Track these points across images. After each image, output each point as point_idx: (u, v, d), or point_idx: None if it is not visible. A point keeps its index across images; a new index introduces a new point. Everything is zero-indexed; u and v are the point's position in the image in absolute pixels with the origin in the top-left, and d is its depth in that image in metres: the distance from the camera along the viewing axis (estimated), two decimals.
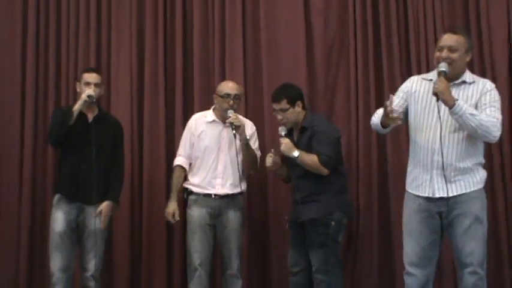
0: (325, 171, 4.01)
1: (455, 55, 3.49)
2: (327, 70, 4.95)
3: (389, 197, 4.66)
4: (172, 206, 4.32)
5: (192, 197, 4.33)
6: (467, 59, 3.58)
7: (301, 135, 4.13)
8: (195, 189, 4.32)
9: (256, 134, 4.48)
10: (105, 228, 4.23)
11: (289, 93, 4.15)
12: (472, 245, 3.41)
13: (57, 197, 4.24)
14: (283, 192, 4.64)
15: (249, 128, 4.40)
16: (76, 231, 4.19)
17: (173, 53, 5.10)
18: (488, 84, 3.56)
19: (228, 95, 4.28)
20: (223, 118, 4.31)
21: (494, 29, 4.65)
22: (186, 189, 4.37)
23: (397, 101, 3.63)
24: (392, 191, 4.61)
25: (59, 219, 4.15)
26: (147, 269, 4.89)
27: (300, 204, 3.99)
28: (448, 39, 3.54)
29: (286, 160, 4.16)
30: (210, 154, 4.30)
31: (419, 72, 4.53)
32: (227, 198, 4.27)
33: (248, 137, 4.27)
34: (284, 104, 4.11)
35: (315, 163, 4.00)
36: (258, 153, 4.42)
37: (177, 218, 4.31)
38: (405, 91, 3.70)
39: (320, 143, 4.04)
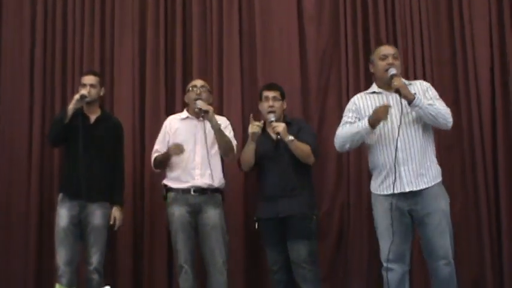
0: (313, 160, 4.20)
1: (398, 62, 3.82)
2: (319, 74, 5.08)
3: None
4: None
5: (171, 194, 4.36)
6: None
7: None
8: (174, 185, 4.35)
9: (230, 126, 4.52)
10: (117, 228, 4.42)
11: (282, 89, 4.40)
12: (444, 239, 3.66)
13: (61, 195, 4.38)
14: None
15: (223, 121, 4.45)
16: (79, 226, 4.31)
17: (173, 59, 5.23)
18: (425, 83, 3.89)
19: (194, 86, 4.44)
20: (196, 114, 4.39)
21: (476, 34, 4.83)
22: (165, 185, 4.40)
23: (351, 119, 3.89)
24: None
25: (63, 215, 4.30)
26: (148, 261, 4.99)
27: (285, 198, 4.10)
28: (388, 48, 3.89)
29: (264, 157, 4.24)
30: (186, 147, 4.32)
31: (406, 75, 4.71)
32: (206, 196, 4.30)
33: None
34: (278, 94, 4.34)
35: (307, 150, 4.17)
36: (234, 142, 4.44)
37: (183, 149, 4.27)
38: (353, 109, 3.93)
39: (309, 135, 4.27)
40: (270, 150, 4.23)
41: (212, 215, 4.31)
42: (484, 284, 4.59)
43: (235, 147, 4.42)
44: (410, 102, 3.62)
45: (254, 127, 4.18)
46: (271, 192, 4.21)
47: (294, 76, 5.06)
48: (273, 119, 4.18)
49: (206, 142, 4.34)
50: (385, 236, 3.75)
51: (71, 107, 4.29)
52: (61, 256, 4.28)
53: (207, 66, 5.21)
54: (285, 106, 4.41)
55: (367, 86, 4.82)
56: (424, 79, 4.71)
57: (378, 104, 3.80)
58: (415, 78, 4.71)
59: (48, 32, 5.41)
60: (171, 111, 5.15)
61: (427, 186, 3.70)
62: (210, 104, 4.41)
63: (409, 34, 4.91)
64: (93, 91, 4.42)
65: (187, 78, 5.17)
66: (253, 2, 5.21)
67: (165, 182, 4.43)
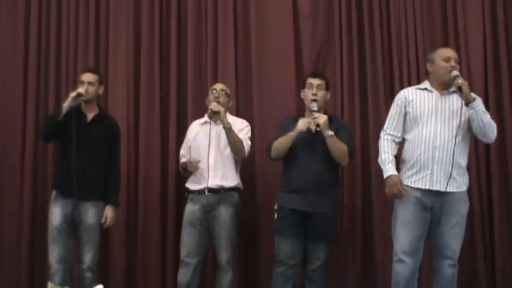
0: (347, 161, 4.09)
1: (458, 67, 3.87)
2: None
3: (371, 194, 4.82)
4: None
5: (190, 195, 4.44)
6: None
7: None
8: (191, 187, 4.44)
9: (248, 128, 4.55)
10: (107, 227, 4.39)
11: (327, 79, 4.30)
12: (455, 241, 3.77)
13: (54, 193, 4.35)
14: (274, 185, 4.53)
15: (239, 123, 4.52)
16: (72, 225, 4.29)
17: (168, 58, 5.22)
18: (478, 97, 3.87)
19: (214, 89, 4.51)
20: (210, 115, 4.39)
21: (470, 39, 4.86)
22: (187, 188, 4.49)
23: (395, 123, 3.98)
24: (374, 189, 4.79)
25: (56, 213, 4.28)
26: (142, 260, 5.00)
27: (314, 192, 3.97)
28: (452, 52, 3.94)
29: (297, 148, 4.08)
30: (202, 151, 4.41)
31: (400, 76, 4.86)
32: (219, 194, 4.34)
33: (237, 130, 4.37)
34: (323, 83, 4.20)
35: (344, 149, 4.01)
36: (248, 142, 4.46)
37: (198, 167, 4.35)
38: (400, 104, 3.98)
39: (348, 135, 4.15)
40: (307, 140, 4.07)
41: (223, 213, 4.32)
42: (477, 286, 4.63)
43: (247, 148, 4.45)
44: (468, 103, 3.71)
45: (305, 123, 4.02)
46: (300, 184, 4.04)
47: (288, 76, 5.06)
48: (315, 108, 4.04)
49: (219, 146, 4.41)
50: (404, 227, 3.82)
51: (66, 104, 4.25)
52: (54, 254, 4.26)
53: (201, 66, 5.21)
54: (328, 96, 4.29)
55: (361, 86, 4.97)
56: (418, 82, 4.75)
57: (428, 100, 3.88)
58: (409, 81, 4.78)
59: (42, 28, 5.39)
60: (165, 110, 5.18)
61: (454, 191, 3.78)
62: (228, 108, 4.49)
63: (403, 36, 4.93)
64: (91, 89, 4.39)
65: (181, 78, 5.20)
66: (249, 2, 5.21)
67: (186, 185, 4.51)
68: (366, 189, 4.87)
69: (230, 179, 4.42)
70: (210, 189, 4.36)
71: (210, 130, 4.42)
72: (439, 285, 3.80)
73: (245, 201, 4.64)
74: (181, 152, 4.65)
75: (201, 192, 4.38)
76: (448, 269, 3.77)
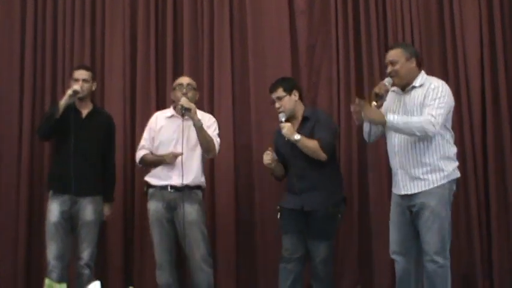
0: (323, 155, 4.04)
1: (397, 66, 3.83)
2: (310, 69, 5.09)
3: (368, 189, 4.85)
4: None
5: (150, 190, 4.35)
6: (412, 64, 3.86)
7: (302, 125, 4.17)
8: (153, 181, 4.34)
9: (216, 124, 4.45)
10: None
11: (284, 83, 4.25)
12: (429, 235, 3.70)
13: (51, 191, 4.35)
14: (273, 182, 4.57)
15: (207, 119, 4.40)
16: (70, 221, 4.30)
17: (164, 54, 5.23)
18: (433, 84, 3.79)
19: (181, 84, 4.38)
20: (180, 112, 4.30)
21: (466, 33, 4.83)
22: (147, 182, 4.39)
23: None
24: (371, 183, 4.83)
25: (53, 210, 4.28)
26: (139, 256, 5.02)
27: (308, 192, 4.05)
28: (387, 56, 3.92)
29: (285, 155, 4.20)
30: (168, 147, 4.32)
31: None
32: (183, 192, 4.25)
33: (205, 127, 4.28)
34: (280, 92, 4.18)
35: (315, 146, 4.02)
36: (217, 140, 4.37)
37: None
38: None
39: (321, 128, 4.12)
40: (287, 150, 4.18)
41: (188, 211, 4.24)
42: (474, 280, 4.63)
43: (217, 146, 4.37)
44: (384, 125, 3.78)
45: (267, 161, 4.16)
46: (293, 186, 4.16)
47: (285, 71, 5.00)
48: (282, 119, 4.12)
49: (187, 143, 4.31)
50: (392, 228, 3.92)
51: (63, 102, 4.25)
52: (51, 251, 4.27)
53: (197, 62, 5.21)
54: (295, 98, 4.22)
55: (358, 80, 4.97)
56: None
57: (390, 102, 3.97)
58: None
59: (38, 23, 5.39)
60: (161, 105, 5.15)
61: (421, 190, 3.75)
62: (195, 102, 4.35)
63: (399, 29, 4.92)
64: (86, 86, 4.39)
65: (177, 73, 5.16)
66: None
67: (146, 178, 4.43)
68: (363, 184, 4.88)
69: (196, 177, 4.33)
70: (173, 187, 4.27)
71: (183, 127, 4.31)
72: (424, 281, 3.79)
73: (243, 207, 4.66)
74: (142, 143, 4.47)
75: (163, 188, 4.29)
76: (429, 265, 3.68)
